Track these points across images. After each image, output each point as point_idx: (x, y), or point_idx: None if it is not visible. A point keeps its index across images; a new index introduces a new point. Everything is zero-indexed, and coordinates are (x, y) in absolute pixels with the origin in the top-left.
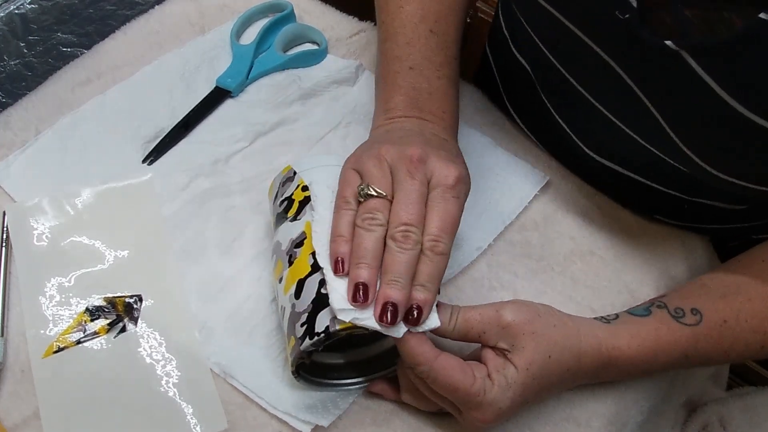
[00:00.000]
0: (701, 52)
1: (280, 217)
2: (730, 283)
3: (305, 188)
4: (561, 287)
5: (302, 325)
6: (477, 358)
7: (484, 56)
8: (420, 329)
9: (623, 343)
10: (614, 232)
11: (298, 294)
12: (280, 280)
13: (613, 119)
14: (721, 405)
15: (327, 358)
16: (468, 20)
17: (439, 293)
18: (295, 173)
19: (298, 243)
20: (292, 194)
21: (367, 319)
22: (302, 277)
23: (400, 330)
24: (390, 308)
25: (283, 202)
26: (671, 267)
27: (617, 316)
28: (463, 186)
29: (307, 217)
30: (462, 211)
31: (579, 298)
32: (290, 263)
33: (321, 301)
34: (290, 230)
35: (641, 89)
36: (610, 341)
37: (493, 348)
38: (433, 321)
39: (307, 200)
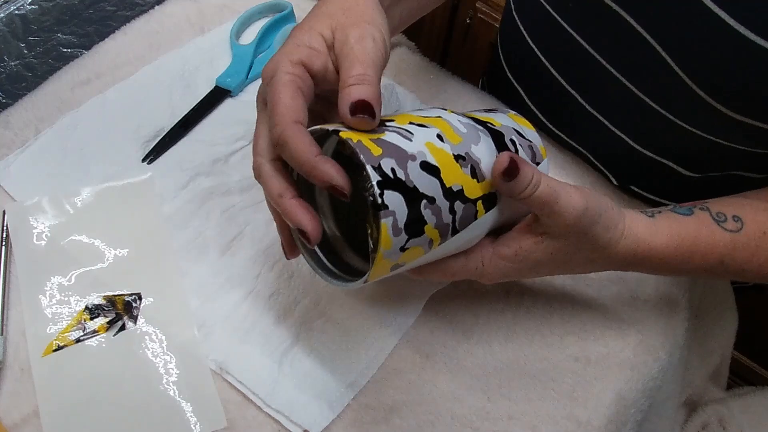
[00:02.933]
0: None
1: None
2: None
3: None
4: (561, 283)
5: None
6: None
7: (494, 58)
8: None
9: (661, 242)
10: None
11: None
12: None
13: (626, 83)
14: (720, 405)
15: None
16: (468, 20)
17: None
18: None
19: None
20: None
21: None
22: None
23: None
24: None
25: None
26: None
27: (660, 212)
28: None
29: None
30: None
31: (578, 296)
32: None
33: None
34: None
35: (653, 36)
36: (648, 241)
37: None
38: None
39: None
